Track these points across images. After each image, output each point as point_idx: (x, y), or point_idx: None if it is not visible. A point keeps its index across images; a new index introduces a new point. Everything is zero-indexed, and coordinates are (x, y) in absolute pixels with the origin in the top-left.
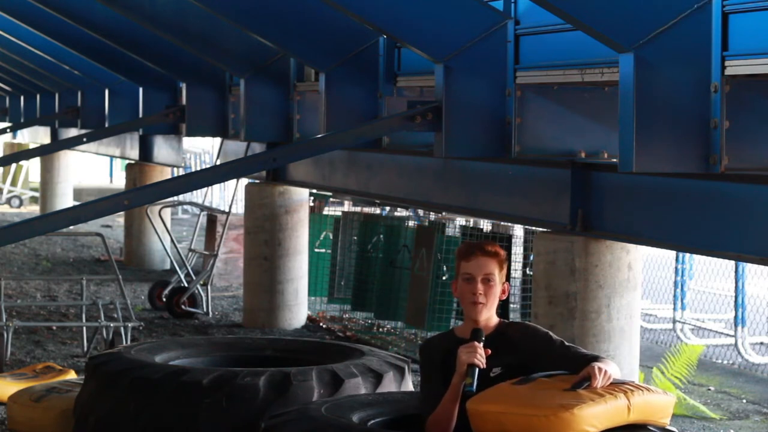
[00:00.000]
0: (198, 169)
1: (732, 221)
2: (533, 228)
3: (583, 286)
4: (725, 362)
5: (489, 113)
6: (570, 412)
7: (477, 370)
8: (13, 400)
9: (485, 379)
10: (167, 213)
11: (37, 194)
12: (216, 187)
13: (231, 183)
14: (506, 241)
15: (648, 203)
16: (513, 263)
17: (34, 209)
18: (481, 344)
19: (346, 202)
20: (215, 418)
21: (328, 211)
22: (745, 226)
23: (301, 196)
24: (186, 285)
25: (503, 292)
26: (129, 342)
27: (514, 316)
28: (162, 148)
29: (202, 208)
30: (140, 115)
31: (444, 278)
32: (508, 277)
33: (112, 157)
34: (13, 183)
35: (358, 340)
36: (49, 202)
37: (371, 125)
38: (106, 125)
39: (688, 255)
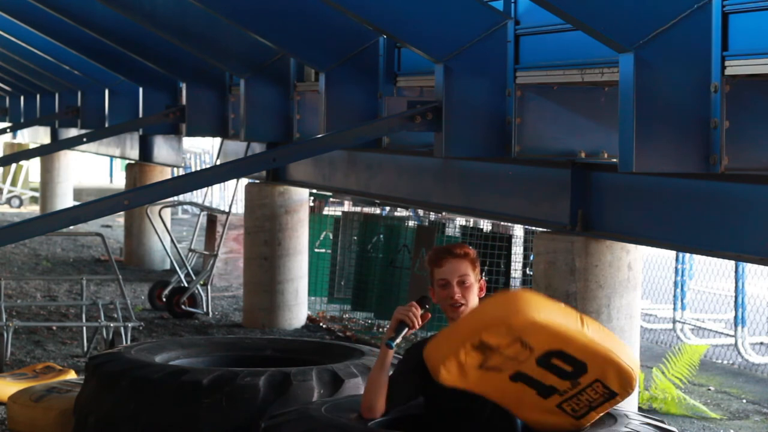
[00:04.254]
0: (198, 169)
1: (732, 221)
2: (533, 228)
3: (583, 286)
4: (725, 362)
5: (489, 113)
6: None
7: (405, 329)
8: (13, 400)
9: None
10: (167, 213)
11: (37, 194)
12: (216, 187)
13: (231, 183)
14: (506, 241)
15: (648, 203)
16: (513, 263)
17: (34, 209)
18: (423, 310)
19: (346, 202)
20: (215, 418)
21: (328, 211)
22: (745, 226)
23: (301, 196)
24: (186, 285)
25: (481, 289)
26: (129, 342)
27: None
28: (162, 148)
29: (202, 208)
30: (140, 115)
31: None
32: (507, 277)
33: (112, 157)
34: (13, 183)
35: (358, 340)
36: (49, 202)
37: (371, 125)
38: (106, 125)
39: (688, 255)
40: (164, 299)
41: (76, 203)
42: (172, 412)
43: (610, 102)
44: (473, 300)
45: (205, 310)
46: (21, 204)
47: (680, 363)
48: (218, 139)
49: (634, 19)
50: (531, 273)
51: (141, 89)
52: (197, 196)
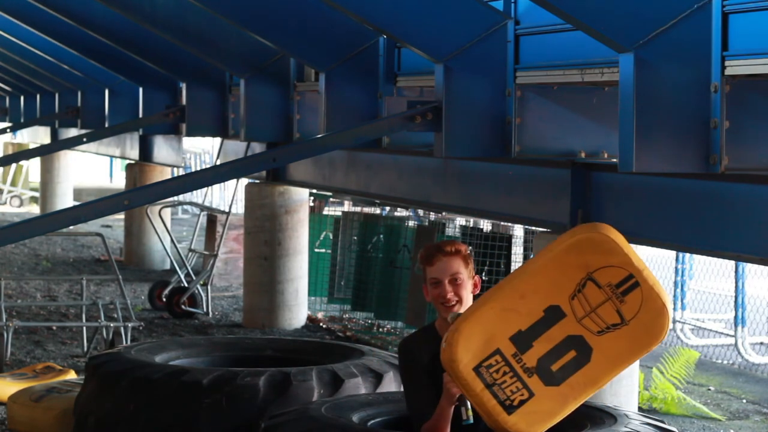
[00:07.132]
0: (198, 169)
1: (732, 221)
2: (533, 228)
3: None
4: (725, 362)
5: (489, 113)
6: None
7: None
8: (13, 400)
9: None
10: (167, 213)
11: (37, 194)
12: (216, 187)
13: (231, 183)
14: (506, 241)
15: (648, 203)
16: (513, 263)
17: (34, 209)
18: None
19: (346, 202)
20: (215, 418)
21: (328, 211)
22: (745, 226)
23: (301, 196)
24: (186, 285)
25: (475, 286)
26: (129, 342)
27: None
28: (162, 148)
29: (202, 208)
30: (140, 115)
31: None
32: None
33: (112, 157)
34: (13, 183)
35: (358, 340)
36: (49, 202)
37: (371, 125)
38: (106, 125)
39: (688, 255)
40: (164, 299)
41: (76, 203)
42: (172, 412)
43: (610, 102)
44: (467, 297)
45: (205, 310)
46: (21, 204)
47: (677, 364)
48: (218, 139)
49: (634, 19)
50: None
51: (141, 89)
52: (197, 196)
